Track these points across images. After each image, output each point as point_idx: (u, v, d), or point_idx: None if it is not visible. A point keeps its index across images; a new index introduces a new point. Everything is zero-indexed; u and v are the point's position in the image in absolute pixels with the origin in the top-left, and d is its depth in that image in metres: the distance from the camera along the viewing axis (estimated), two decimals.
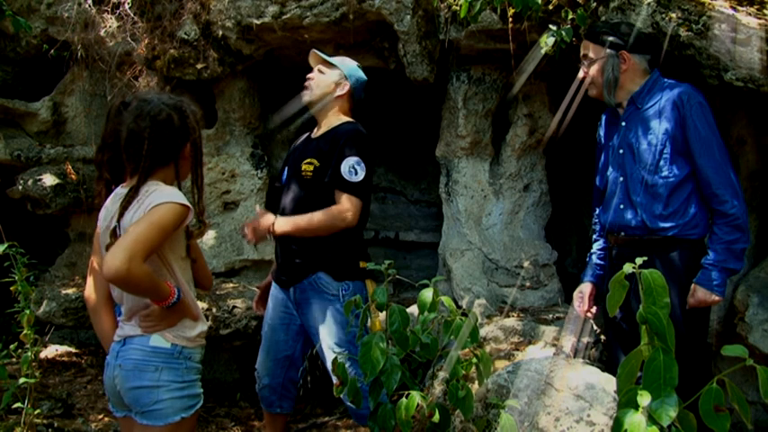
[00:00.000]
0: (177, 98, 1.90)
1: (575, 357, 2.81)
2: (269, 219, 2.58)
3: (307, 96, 2.66)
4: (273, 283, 2.75)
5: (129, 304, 1.83)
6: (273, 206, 2.81)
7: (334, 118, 2.67)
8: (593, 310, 2.62)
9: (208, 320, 3.43)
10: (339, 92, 2.66)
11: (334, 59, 2.70)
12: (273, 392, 2.71)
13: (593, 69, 2.40)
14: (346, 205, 2.50)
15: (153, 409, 1.77)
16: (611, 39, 2.36)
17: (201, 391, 1.88)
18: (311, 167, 2.56)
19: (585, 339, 2.94)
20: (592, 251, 2.66)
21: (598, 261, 2.61)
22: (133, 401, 1.79)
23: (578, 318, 2.69)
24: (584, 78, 2.46)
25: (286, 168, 2.74)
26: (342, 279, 2.54)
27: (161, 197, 1.72)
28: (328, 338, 2.51)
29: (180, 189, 1.86)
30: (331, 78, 2.66)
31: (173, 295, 1.75)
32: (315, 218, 2.50)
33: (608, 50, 2.36)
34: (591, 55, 2.41)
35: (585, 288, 2.61)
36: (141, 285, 1.66)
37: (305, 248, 2.55)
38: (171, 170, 1.86)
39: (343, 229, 2.51)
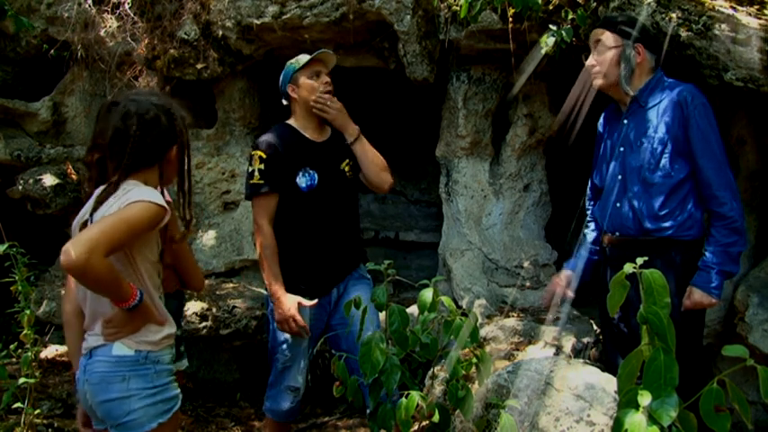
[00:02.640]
0: (166, 99, 1.87)
1: (568, 355, 2.81)
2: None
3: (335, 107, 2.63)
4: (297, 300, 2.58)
5: (91, 307, 1.77)
6: (285, 213, 2.60)
7: None
8: (571, 294, 2.59)
9: (208, 320, 3.43)
10: None
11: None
12: (300, 399, 2.69)
13: (606, 57, 2.33)
14: None
15: (127, 421, 1.70)
16: (629, 30, 2.31)
17: (177, 391, 1.81)
18: (349, 167, 2.67)
19: (586, 339, 2.94)
20: (582, 243, 2.63)
21: (587, 255, 2.59)
22: (105, 415, 1.73)
23: (554, 295, 2.65)
24: (592, 66, 2.39)
25: (312, 173, 2.57)
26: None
27: (138, 195, 1.69)
28: (367, 321, 2.48)
29: (162, 193, 1.81)
30: None
31: (134, 297, 1.67)
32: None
33: (625, 41, 2.31)
34: (605, 42, 2.34)
35: (564, 273, 2.60)
36: (100, 280, 1.57)
37: (354, 244, 2.72)
38: (155, 172, 1.82)
39: (386, 190, 2.77)
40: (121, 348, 1.73)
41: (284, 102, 2.68)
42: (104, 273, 1.56)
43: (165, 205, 1.72)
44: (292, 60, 2.64)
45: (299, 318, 2.45)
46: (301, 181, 2.55)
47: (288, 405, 2.63)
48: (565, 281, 2.58)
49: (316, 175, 2.56)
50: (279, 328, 2.53)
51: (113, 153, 1.77)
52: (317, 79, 2.58)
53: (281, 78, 2.64)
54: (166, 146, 1.82)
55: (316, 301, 2.54)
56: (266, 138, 2.59)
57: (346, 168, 2.65)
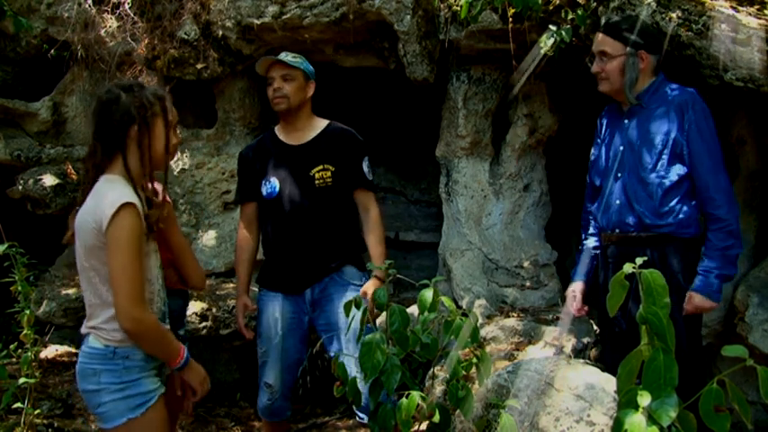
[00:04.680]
0: (135, 81, 1.85)
1: (568, 355, 2.81)
2: (373, 283, 2.57)
3: (284, 105, 2.58)
4: (268, 294, 2.67)
5: (87, 290, 1.80)
6: (260, 217, 2.71)
7: (313, 119, 2.71)
8: (586, 308, 2.61)
9: (208, 320, 3.43)
10: (310, 92, 2.66)
11: (296, 61, 2.60)
12: (285, 399, 2.68)
13: (611, 66, 2.35)
14: (375, 203, 2.73)
15: (99, 413, 1.76)
16: (632, 37, 2.31)
17: (154, 387, 1.80)
18: (329, 173, 2.61)
19: (586, 339, 2.94)
20: (584, 248, 2.65)
21: (591, 259, 2.60)
22: (87, 403, 1.82)
23: (571, 316, 2.68)
24: (598, 72, 2.39)
25: (273, 183, 2.62)
26: (362, 270, 2.67)
27: (109, 205, 1.66)
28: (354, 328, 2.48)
29: (137, 183, 1.77)
30: (300, 81, 2.60)
31: (181, 357, 1.82)
32: (382, 235, 2.69)
33: (629, 49, 2.32)
34: (609, 51, 2.35)
35: (578, 287, 2.60)
36: (155, 330, 1.75)
37: (332, 246, 2.64)
38: (120, 158, 1.76)
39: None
40: (94, 342, 1.77)
41: None
42: (153, 321, 1.75)
43: (131, 199, 1.70)
44: None
45: (240, 320, 2.70)
46: (263, 190, 2.65)
47: (265, 401, 2.65)
48: (580, 296, 2.58)
49: (276, 184, 2.63)
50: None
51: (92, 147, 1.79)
52: (269, 87, 2.61)
53: None
54: (126, 124, 1.75)
55: (255, 306, 2.70)
56: (243, 150, 2.82)
57: (318, 174, 2.61)
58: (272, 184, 2.63)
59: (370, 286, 2.55)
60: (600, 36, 2.39)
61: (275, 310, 2.63)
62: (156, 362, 1.85)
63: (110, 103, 1.76)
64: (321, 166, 2.61)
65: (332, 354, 2.56)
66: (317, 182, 2.60)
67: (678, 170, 2.28)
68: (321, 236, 2.62)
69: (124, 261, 1.67)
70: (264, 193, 2.64)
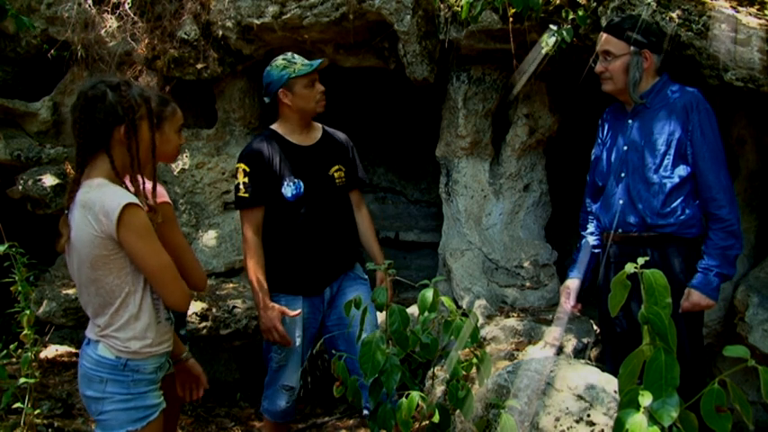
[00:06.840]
0: (125, 78, 1.78)
1: (568, 355, 2.81)
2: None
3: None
4: (286, 299, 2.60)
5: (91, 303, 1.78)
6: (273, 220, 2.60)
7: (313, 122, 2.73)
8: (579, 306, 2.61)
9: (208, 320, 3.43)
10: None
11: None
12: (295, 399, 2.69)
13: (615, 65, 2.35)
14: (365, 201, 2.86)
15: (99, 420, 1.75)
16: (635, 36, 2.31)
17: (157, 401, 1.80)
18: (342, 173, 2.68)
19: (586, 339, 2.94)
20: (582, 245, 2.64)
21: (588, 257, 2.61)
22: (86, 407, 1.81)
23: (568, 313, 2.68)
24: (601, 72, 2.39)
25: (298, 182, 2.57)
26: (363, 264, 2.72)
27: (111, 210, 1.63)
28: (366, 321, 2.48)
29: (122, 182, 1.73)
30: None
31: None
32: (375, 232, 2.85)
33: (632, 48, 2.32)
34: (613, 51, 2.35)
35: (573, 284, 2.60)
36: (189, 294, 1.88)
37: (346, 246, 2.72)
38: (106, 158, 1.70)
39: None
40: (105, 351, 1.74)
41: (266, 99, 2.62)
42: (187, 292, 1.83)
43: (131, 199, 1.67)
44: (285, 63, 2.55)
45: (280, 328, 2.48)
46: (287, 191, 2.57)
47: (283, 404, 2.64)
48: (573, 294, 2.58)
49: (301, 184, 2.58)
50: (264, 337, 2.57)
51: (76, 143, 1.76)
52: (312, 89, 2.55)
53: (269, 78, 2.56)
54: (111, 124, 1.68)
55: (298, 311, 2.55)
56: (250, 149, 2.61)
57: (335, 174, 2.65)
58: (298, 184, 2.57)
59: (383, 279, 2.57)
60: (604, 35, 2.39)
61: (295, 318, 2.58)
62: (162, 372, 1.85)
63: (95, 99, 1.68)
64: (337, 166, 2.67)
65: (341, 349, 2.56)
66: (337, 181, 2.66)
67: (682, 170, 2.29)
68: (344, 234, 2.70)
69: (153, 249, 1.70)
70: (289, 194, 2.56)
